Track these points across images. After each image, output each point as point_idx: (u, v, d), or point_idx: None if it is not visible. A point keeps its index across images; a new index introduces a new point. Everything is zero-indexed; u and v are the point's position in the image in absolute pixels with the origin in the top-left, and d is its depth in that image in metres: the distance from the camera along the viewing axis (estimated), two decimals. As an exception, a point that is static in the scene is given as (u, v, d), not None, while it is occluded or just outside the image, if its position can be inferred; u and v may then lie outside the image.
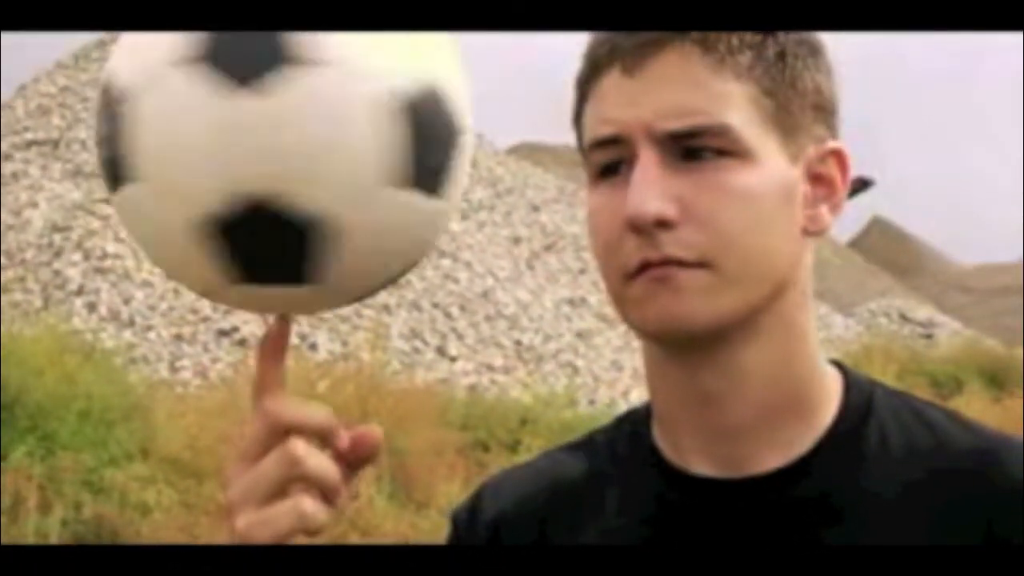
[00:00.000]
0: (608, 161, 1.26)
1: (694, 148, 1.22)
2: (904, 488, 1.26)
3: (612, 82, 1.25)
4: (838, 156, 1.28)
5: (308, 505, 1.11)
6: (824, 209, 1.28)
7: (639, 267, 1.23)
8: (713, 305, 1.22)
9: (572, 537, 1.32)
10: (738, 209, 1.22)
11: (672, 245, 1.22)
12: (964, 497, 1.24)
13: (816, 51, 1.27)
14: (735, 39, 1.23)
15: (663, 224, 1.21)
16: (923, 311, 28.28)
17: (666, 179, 1.22)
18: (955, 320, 28.68)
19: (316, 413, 1.13)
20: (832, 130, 1.28)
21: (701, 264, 1.22)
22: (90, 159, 20.95)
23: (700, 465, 1.28)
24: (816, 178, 1.27)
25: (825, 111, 1.27)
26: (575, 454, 1.39)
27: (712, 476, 1.28)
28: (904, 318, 27.23)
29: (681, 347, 1.27)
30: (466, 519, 1.39)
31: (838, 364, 1.34)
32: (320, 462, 1.12)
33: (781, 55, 1.24)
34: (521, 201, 23.73)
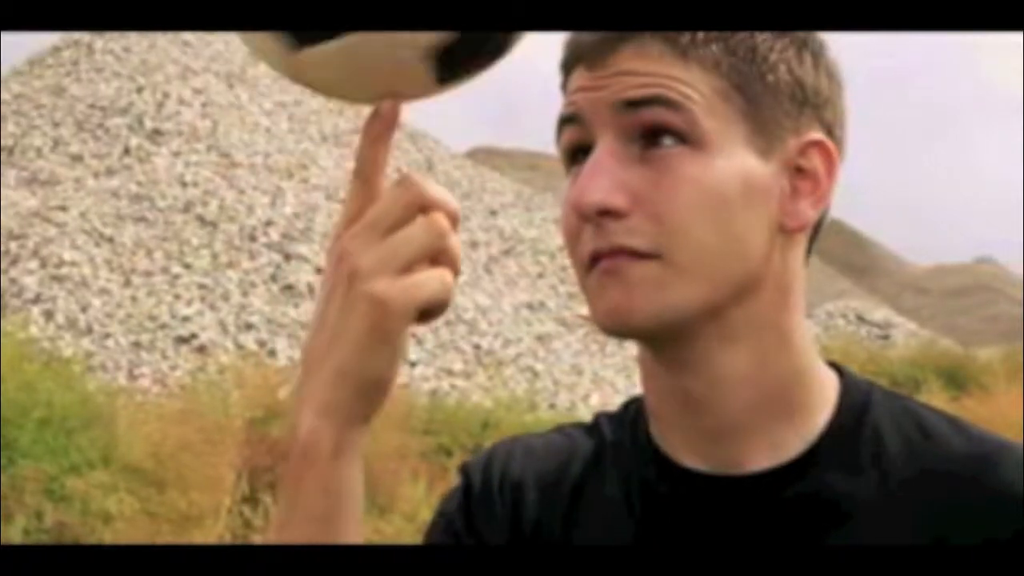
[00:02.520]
0: (570, 143, 1.25)
1: (653, 129, 1.21)
2: (898, 492, 1.25)
3: (577, 76, 1.25)
4: (821, 148, 1.25)
5: (449, 277, 1.13)
6: (805, 204, 1.25)
7: (591, 258, 1.22)
8: (663, 299, 1.20)
9: (572, 518, 1.32)
10: (692, 199, 1.20)
11: (621, 234, 1.20)
12: (958, 502, 1.23)
13: (801, 45, 1.25)
14: (699, 33, 1.22)
15: (609, 213, 1.20)
16: (880, 312, 28.38)
17: (619, 168, 1.21)
18: (911, 321, 28.79)
19: (450, 197, 1.14)
20: (822, 124, 1.26)
21: (651, 255, 1.20)
22: (46, 166, 20.85)
23: (692, 461, 1.28)
24: (798, 172, 1.25)
25: (809, 105, 1.25)
26: (584, 435, 1.38)
27: (703, 471, 1.27)
28: (861, 319, 27.32)
29: (652, 347, 1.26)
30: (480, 474, 1.37)
31: (836, 367, 1.32)
32: (456, 240, 1.13)
33: (752, 49, 1.23)
34: (479, 206, 23.73)
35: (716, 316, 1.23)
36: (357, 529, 1.16)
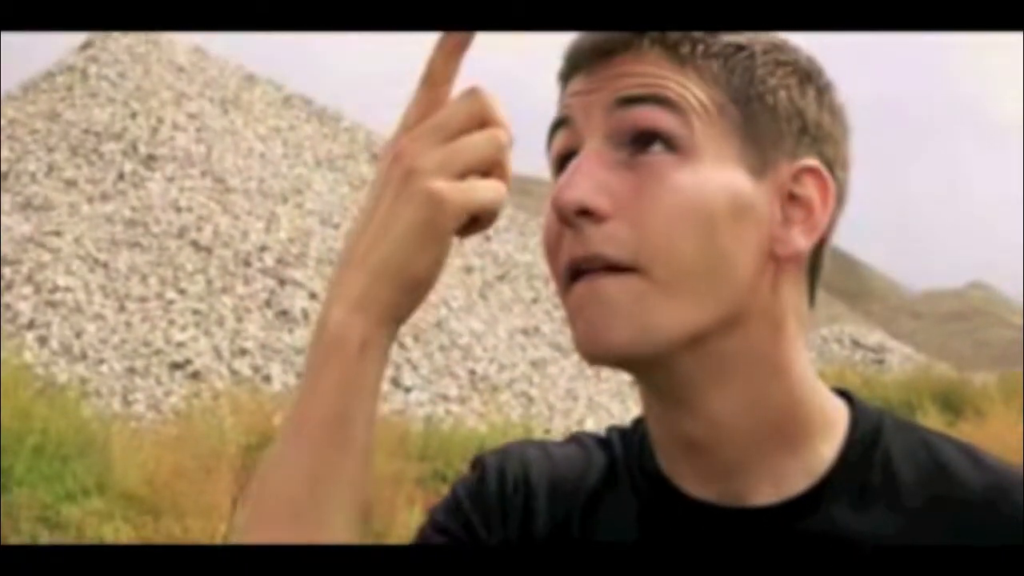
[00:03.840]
0: (559, 149, 1.22)
1: (644, 133, 1.17)
2: (909, 524, 1.21)
3: (573, 83, 1.23)
4: (816, 176, 1.21)
5: (502, 188, 1.14)
6: (797, 232, 1.20)
7: (569, 268, 1.18)
8: (643, 319, 1.16)
9: (585, 530, 1.29)
10: (675, 207, 1.16)
11: (599, 241, 1.16)
12: (973, 533, 1.19)
13: (804, 78, 1.22)
14: (700, 46, 1.20)
15: (588, 214, 1.16)
16: (874, 337, 28.44)
17: (603, 170, 1.17)
18: (906, 345, 28.83)
19: (508, 122, 1.16)
20: (821, 158, 1.22)
21: (631, 268, 1.16)
22: (40, 191, 20.88)
23: (699, 491, 1.24)
24: (791, 199, 1.20)
25: (808, 135, 1.21)
26: (599, 448, 1.35)
27: (711, 502, 1.24)
28: (856, 344, 27.36)
29: (638, 378, 1.22)
30: (496, 472, 1.34)
31: (847, 396, 1.29)
32: (510, 157, 1.15)
33: (751, 69, 1.20)
34: (473, 231, 23.74)
35: (701, 345, 1.19)
36: (368, 442, 1.15)
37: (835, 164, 1.22)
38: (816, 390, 1.25)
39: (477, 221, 1.13)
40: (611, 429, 1.37)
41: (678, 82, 1.19)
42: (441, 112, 1.13)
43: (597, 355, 1.19)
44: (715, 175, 1.18)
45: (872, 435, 1.25)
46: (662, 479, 1.27)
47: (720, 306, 1.18)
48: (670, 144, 1.18)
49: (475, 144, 1.12)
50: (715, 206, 1.17)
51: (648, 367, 1.20)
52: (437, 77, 1.14)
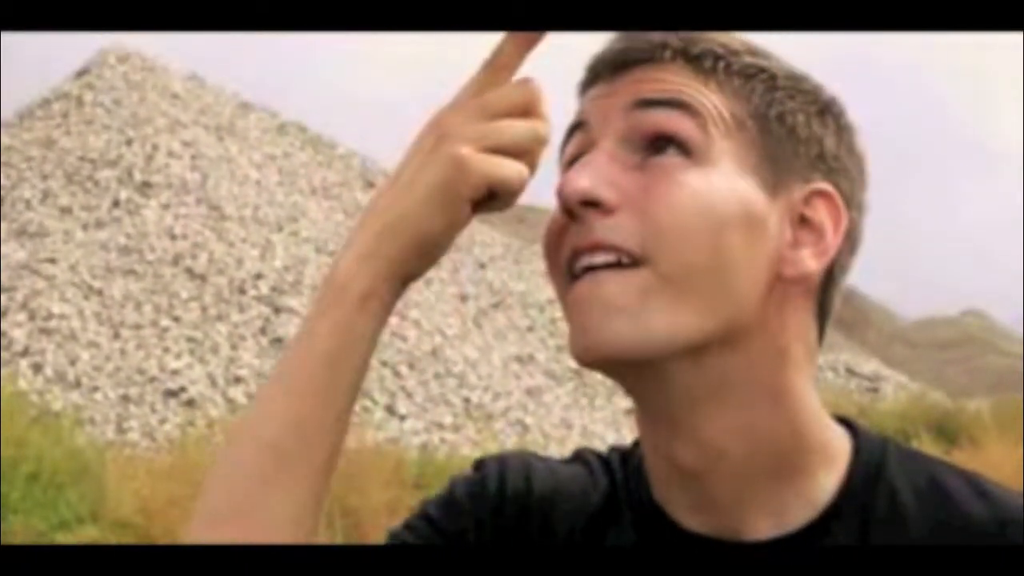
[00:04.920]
0: (572, 155, 1.22)
1: (659, 136, 1.18)
2: None
3: (593, 91, 1.24)
4: (828, 200, 1.21)
5: (526, 172, 1.17)
6: (806, 254, 1.20)
7: (569, 263, 1.18)
8: (645, 318, 1.14)
9: (589, 545, 1.28)
10: (686, 206, 1.15)
11: (604, 230, 1.16)
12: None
13: (824, 108, 1.23)
14: (721, 62, 1.20)
15: (593, 204, 1.16)
16: (869, 365, 28.36)
17: (613, 168, 1.18)
18: (901, 374, 28.77)
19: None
20: (837, 190, 1.21)
21: (634, 260, 1.15)
22: (35, 218, 20.86)
23: (694, 523, 1.23)
24: (801, 222, 1.20)
25: (824, 162, 1.21)
26: (602, 470, 1.33)
27: (706, 535, 1.22)
28: (851, 372, 27.29)
29: (632, 389, 1.21)
30: (496, 478, 1.32)
31: (850, 424, 1.27)
32: (542, 152, 1.19)
33: (771, 90, 1.21)
34: (468, 259, 23.75)
35: (701, 356, 1.17)
36: (353, 395, 1.18)
37: (850, 201, 1.22)
38: (819, 420, 1.23)
39: (494, 198, 1.16)
40: (612, 450, 1.35)
41: (698, 90, 1.20)
42: (490, 93, 1.16)
43: (593, 354, 1.17)
44: (728, 183, 1.17)
45: (875, 465, 1.23)
46: (657, 509, 1.25)
47: (722, 315, 1.17)
48: (685, 149, 1.18)
49: (513, 128, 1.15)
50: (725, 209, 1.17)
51: (643, 374, 1.18)
52: (500, 63, 1.17)
